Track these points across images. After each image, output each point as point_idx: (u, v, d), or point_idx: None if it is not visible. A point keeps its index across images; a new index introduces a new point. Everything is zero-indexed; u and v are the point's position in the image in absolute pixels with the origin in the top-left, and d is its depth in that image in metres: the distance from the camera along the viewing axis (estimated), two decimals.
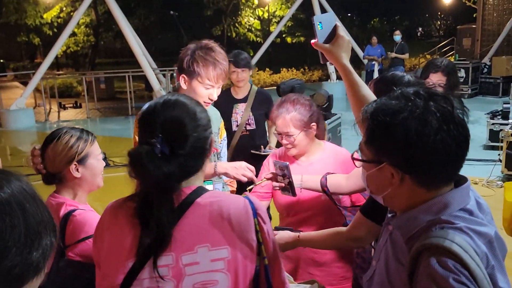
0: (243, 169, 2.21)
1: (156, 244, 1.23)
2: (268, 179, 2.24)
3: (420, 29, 42.58)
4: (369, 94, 1.58)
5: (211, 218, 1.27)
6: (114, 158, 7.07)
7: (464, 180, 1.19)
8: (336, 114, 8.01)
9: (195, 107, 1.34)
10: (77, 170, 1.83)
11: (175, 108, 1.30)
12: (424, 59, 21.93)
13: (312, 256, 2.38)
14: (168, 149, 1.23)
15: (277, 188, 2.23)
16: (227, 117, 3.80)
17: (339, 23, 1.63)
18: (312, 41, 1.61)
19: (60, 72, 26.16)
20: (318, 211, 2.37)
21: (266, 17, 23.73)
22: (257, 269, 1.30)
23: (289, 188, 2.17)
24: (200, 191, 1.31)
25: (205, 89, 2.20)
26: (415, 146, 1.08)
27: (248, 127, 3.93)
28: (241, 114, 3.88)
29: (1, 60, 30.12)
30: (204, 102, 2.21)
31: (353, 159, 1.28)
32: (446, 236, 1.06)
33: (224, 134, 2.67)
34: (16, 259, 0.82)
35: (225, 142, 2.71)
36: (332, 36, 1.59)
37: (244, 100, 3.92)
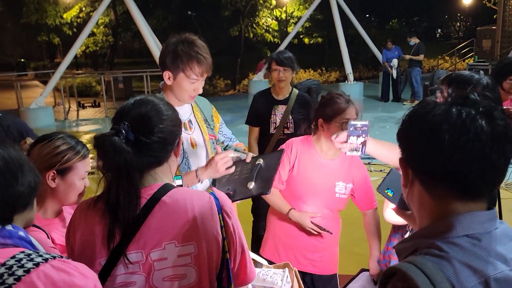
0: (220, 165, 2.13)
1: (125, 242, 1.31)
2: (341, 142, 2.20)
3: (439, 30, 42.06)
4: None
5: (177, 216, 1.33)
6: None
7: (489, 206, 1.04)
8: None
9: (163, 105, 1.42)
10: (54, 179, 1.70)
11: (143, 105, 1.38)
12: (443, 61, 21.68)
13: (311, 243, 2.64)
14: (133, 136, 1.30)
15: (346, 149, 2.17)
16: (265, 118, 3.75)
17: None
18: (392, 207, 1.53)
19: (80, 71, 26.47)
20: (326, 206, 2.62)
21: (284, 18, 23.70)
22: (222, 262, 1.37)
23: (361, 147, 2.15)
24: (166, 188, 1.37)
25: (191, 83, 2.22)
26: (418, 143, 1.02)
27: (286, 131, 3.73)
28: (280, 116, 3.73)
29: (22, 60, 30.58)
30: (190, 96, 2.27)
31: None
32: (416, 262, 0.94)
33: (220, 118, 2.67)
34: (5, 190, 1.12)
35: (224, 126, 2.70)
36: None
37: (284, 102, 3.76)
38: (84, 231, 1.36)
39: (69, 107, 14.51)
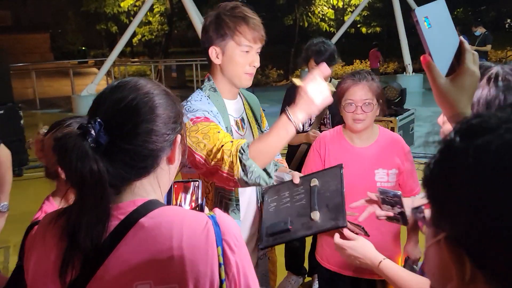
0: (315, 92, 1.53)
1: (84, 277, 0.96)
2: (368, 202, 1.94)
3: (508, 20, 39.70)
4: None
5: (157, 246, 0.96)
6: None
7: None
8: (409, 109, 7.41)
9: (155, 92, 1.04)
10: None
11: (126, 90, 1.01)
12: None
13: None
14: (106, 138, 0.96)
15: (383, 217, 1.91)
16: None
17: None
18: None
19: (135, 59, 26.94)
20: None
21: (341, 6, 22.97)
22: None
23: (400, 218, 1.88)
24: (147, 207, 1.00)
25: (244, 53, 1.81)
26: (497, 212, 0.49)
27: (323, 128, 3.25)
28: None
29: (83, 48, 31.59)
30: (246, 73, 1.85)
31: (415, 212, 0.68)
32: None
33: (266, 123, 2.24)
34: None
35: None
36: (456, 56, 0.99)
37: None
38: (39, 254, 1.03)
39: None
